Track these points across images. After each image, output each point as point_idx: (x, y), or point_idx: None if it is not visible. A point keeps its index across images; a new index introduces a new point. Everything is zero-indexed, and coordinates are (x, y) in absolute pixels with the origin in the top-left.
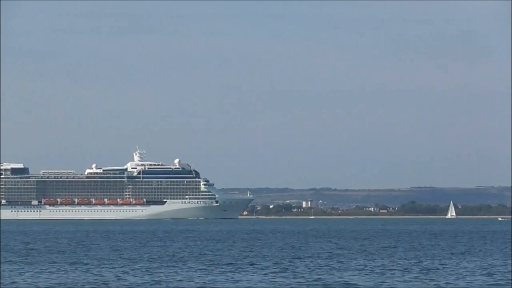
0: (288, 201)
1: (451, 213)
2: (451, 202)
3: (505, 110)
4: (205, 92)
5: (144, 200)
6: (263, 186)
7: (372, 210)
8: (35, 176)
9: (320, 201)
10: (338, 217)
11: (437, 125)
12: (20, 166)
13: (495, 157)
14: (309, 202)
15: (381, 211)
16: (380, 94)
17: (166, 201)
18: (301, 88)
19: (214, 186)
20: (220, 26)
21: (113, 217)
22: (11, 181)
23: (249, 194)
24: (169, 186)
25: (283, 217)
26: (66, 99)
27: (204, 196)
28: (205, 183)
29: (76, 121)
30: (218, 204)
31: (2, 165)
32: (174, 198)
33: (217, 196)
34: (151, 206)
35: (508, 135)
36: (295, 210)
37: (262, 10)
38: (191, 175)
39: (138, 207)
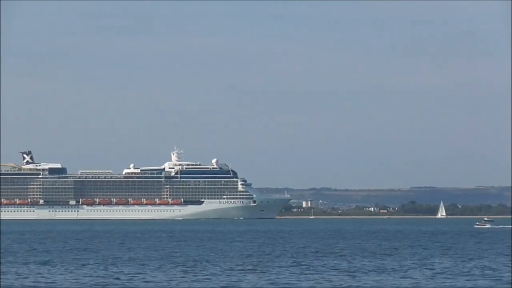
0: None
1: (441, 213)
2: (441, 202)
3: (505, 110)
4: (210, 92)
5: (182, 200)
6: (263, 186)
7: (372, 210)
8: (73, 176)
9: (320, 201)
10: (338, 217)
11: (437, 125)
12: (58, 166)
13: (495, 157)
14: (309, 202)
15: (381, 211)
16: (380, 94)
17: (203, 201)
18: (301, 88)
19: (252, 186)
20: (220, 26)
21: (151, 217)
22: (49, 181)
23: (286, 194)
24: (206, 186)
25: (283, 217)
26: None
27: (241, 196)
28: (243, 183)
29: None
30: (255, 204)
31: (40, 165)
32: (211, 198)
33: (254, 196)
34: (189, 206)
35: (508, 135)
36: (295, 210)
37: (262, 10)
38: (229, 175)
39: (176, 207)
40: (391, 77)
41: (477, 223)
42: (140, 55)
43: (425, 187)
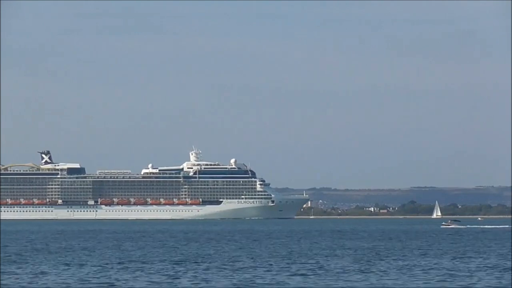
0: None
1: (437, 213)
2: (436, 203)
3: (505, 110)
4: (209, 92)
5: (200, 200)
6: None
7: (372, 210)
8: (91, 176)
9: (320, 201)
10: (338, 217)
11: (437, 125)
12: (77, 166)
13: (495, 157)
14: (309, 202)
15: (381, 211)
16: (380, 94)
17: (222, 201)
18: (301, 88)
19: (270, 185)
20: (220, 26)
21: (169, 217)
22: (68, 181)
23: (305, 194)
24: (225, 186)
25: None
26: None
27: (260, 196)
28: (261, 183)
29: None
30: (274, 204)
31: (58, 165)
32: (230, 198)
33: (273, 196)
34: (207, 206)
35: (508, 135)
36: None
37: (263, 10)
38: (247, 175)
39: (194, 207)
40: (391, 77)
41: (443, 223)
42: (140, 55)
43: (425, 187)
